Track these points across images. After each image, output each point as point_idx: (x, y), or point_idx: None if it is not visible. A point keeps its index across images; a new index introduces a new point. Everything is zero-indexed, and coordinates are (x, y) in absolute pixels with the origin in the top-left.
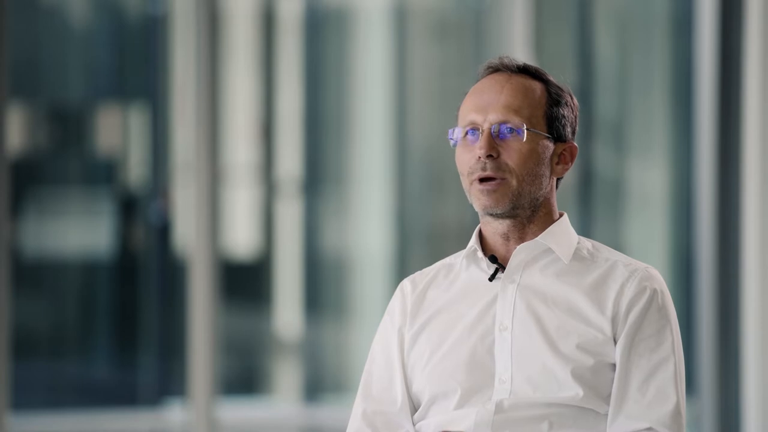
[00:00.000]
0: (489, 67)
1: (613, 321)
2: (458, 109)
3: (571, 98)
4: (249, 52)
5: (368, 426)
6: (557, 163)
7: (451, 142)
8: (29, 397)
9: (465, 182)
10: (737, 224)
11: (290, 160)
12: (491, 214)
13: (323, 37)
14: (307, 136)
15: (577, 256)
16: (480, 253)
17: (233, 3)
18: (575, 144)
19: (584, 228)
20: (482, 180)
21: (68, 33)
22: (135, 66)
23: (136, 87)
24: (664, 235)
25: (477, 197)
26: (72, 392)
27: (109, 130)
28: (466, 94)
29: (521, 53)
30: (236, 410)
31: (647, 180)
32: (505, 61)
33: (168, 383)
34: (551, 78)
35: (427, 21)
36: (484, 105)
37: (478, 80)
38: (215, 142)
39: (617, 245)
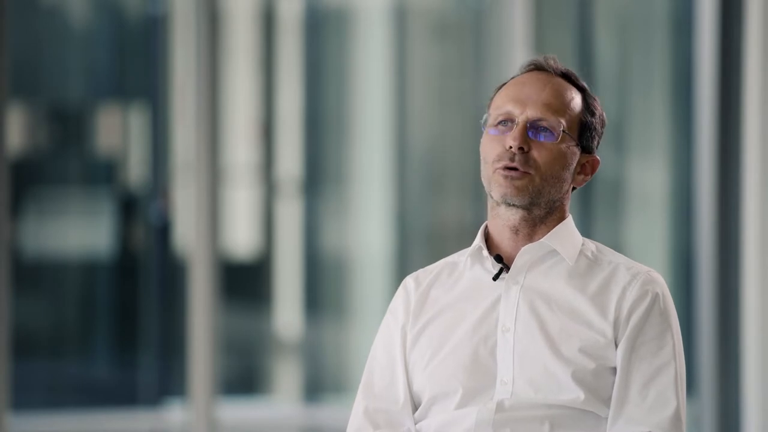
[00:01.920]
0: (532, 64)
1: (615, 324)
2: (491, 98)
3: (602, 113)
4: (249, 52)
5: (370, 423)
6: (578, 173)
7: (482, 127)
8: (29, 397)
9: (487, 169)
10: (737, 224)
11: (290, 160)
12: (507, 203)
13: (323, 37)
14: (307, 136)
15: (581, 257)
16: (485, 252)
17: (233, 3)
18: (598, 158)
19: (584, 228)
20: (507, 168)
21: (68, 33)
22: (135, 66)
23: (136, 87)
24: (664, 235)
25: (498, 183)
26: (72, 392)
27: (109, 130)
28: (497, 88)
29: (521, 53)
30: (236, 410)
31: (647, 180)
32: (551, 62)
33: (168, 383)
34: (588, 89)
35: (427, 21)
36: (524, 98)
37: (517, 75)
38: (215, 142)
39: (617, 245)
